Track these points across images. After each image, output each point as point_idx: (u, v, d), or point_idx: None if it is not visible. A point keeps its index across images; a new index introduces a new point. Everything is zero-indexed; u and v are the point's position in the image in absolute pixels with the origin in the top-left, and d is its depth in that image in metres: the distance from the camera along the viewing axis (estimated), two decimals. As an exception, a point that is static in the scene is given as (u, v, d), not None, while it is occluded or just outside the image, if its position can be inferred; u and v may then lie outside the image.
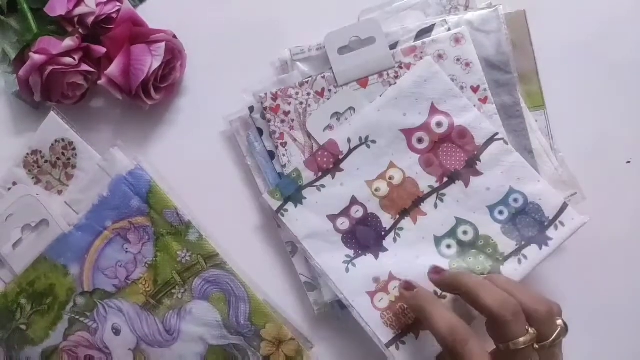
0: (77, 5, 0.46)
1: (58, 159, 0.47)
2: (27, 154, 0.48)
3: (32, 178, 0.48)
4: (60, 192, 0.48)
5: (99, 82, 0.46)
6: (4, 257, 0.46)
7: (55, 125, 0.47)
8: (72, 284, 0.40)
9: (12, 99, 0.50)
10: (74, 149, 0.47)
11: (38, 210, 0.46)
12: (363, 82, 0.46)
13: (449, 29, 0.47)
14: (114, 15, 0.47)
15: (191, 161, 0.50)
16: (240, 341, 0.39)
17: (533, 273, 0.44)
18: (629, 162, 0.50)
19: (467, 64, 0.46)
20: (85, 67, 0.46)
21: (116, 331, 0.39)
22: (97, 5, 0.46)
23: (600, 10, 0.51)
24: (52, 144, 0.48)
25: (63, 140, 0.47)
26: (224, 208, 0.49)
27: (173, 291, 0.40)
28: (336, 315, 0.46)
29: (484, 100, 0.46)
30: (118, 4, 0.47)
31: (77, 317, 0.40)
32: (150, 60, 0.45)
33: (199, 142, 0.50)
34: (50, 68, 0.44)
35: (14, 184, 0.48)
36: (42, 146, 0.48)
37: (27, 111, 0.50)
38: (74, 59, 0.45)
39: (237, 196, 0.49)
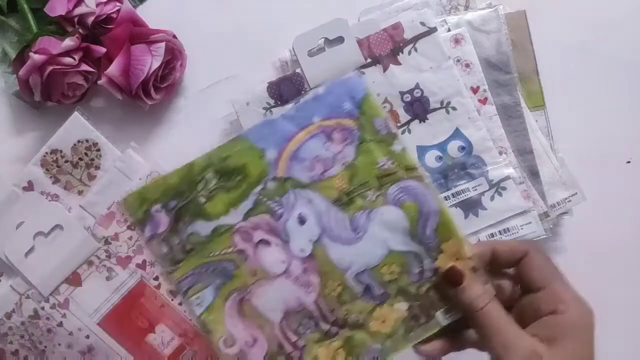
0: (77, 5, 0.46)
1: (80, 159, 0.47)
2: (46, 152, 0.47)
3: (50, 177, 0.47)
4: (80, 192, 0.47)
5: (99, 82, 0.46)
6: (16, 266, 0.46)
7: (79, 126, 0.47)
8: (266, 167, 0.39)
9: (12, 99, 0.50)
10: (98, 150, 0.47)
11: (51, 216, 0.46)
12: None
13: (449, 29, 0.47)
14: (114, 15, 0.46)
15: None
16: (420, 250, 0.39)
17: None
18: (629, 162, 0.50)
19: (467, 65, 0.46)
20: (85, 67, 0.46)
21: (301, 220, 0.38)
22: (97, 5, 0.46)
23: (600, 10, 0.51)
24: (75, 144, 0.47)
25: (87, 140, 0.47)
26: (224, 208, 0.49)
27: (367, 193, 0.39)
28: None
29: (484, 101, 0.46)
30: (118, 4, 0.47)
31: (264, 199, 0.39)
32: (150, 60, 0.45)
33: (198, 142, 0.50)
34: (50, 68, 0.44)
35: (30, 182, 0.47)
36: (63, 146, 0.47)
37: (27, 111, 0.50)
38: (74, 59, 0.45)
39: (237, 196, 0.49)
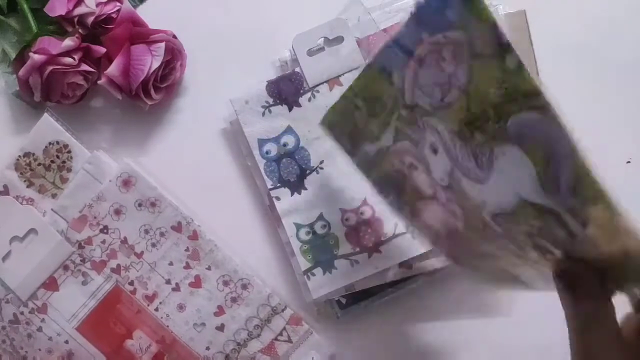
0: (77, 5, 0.46)
1: (52, 161, 0.47)
2: (19, 156, 0.47)
3: (25, 181, 0.47)
4: (54, 196, 0.47)
5: (99, 82, 0.46)
6: None
7: (49, 127, 0.47)
8: (397, 94, 0.37)
9: (12, 99, 0.50)
10: (69, 151, 0.47)
11: (25, 220, 0.46)
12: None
13: (449, 30, 0.47)
14: (114, 15, 0.47)
15: (191, 161, 0.50)
16: (557, 206, 0.29)
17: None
18: (629, 162, 0.50)
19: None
20: (85, 67, 0.46)
21: (434, 150, 0.36)
22: (97, 5, 0.46)
23: (600, 10, 0.51)
24: (46, 147, 0.47)
25: (57, 142, 0.47)
26: (223, 208, 0.49)
27: (486, 126, 0.31)
28: (336, 314, 0.46)
29: (483, 101, 0.46)
30: (118, 4, 0.47)
31: (402, 126, 0.38)
32: (150, 60, 0.45)
33: (198, 142, 0.50)
34: (50, 68, 0.44)
35: (5, 187, 0.47)
36: (35, 148, 0.47)
37: (27, 111, 0.50)
38: (73, 59, 0.45)
39: (237, 196, 0.49)
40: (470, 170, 0.33)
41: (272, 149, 0.47)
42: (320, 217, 0.46)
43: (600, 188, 0.27)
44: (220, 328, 0.46)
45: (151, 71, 0.45)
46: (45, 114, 0.47)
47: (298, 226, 0.46)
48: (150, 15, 0.48)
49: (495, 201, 0.32)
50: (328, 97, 0.46)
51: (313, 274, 0.45)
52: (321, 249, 0.45)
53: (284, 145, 0.47)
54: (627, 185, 0.49)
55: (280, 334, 0.45)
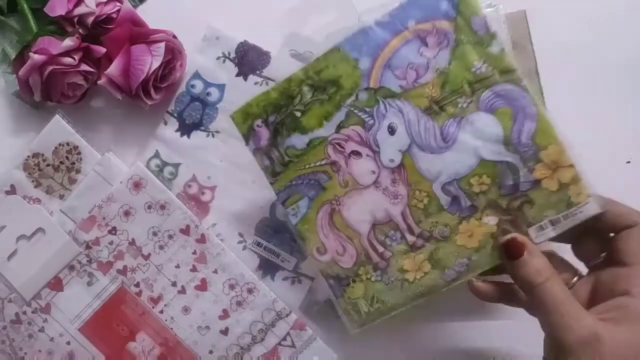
0: (77, 5, 0.46)
1: (61, 162, 0.47)
2: (28, 156, 0.47)
3: (32, 181, 0.47)
4: (61, 197, 0.47)
5: (99, 82, 0.46)
6: None
7: (59, 129, 0.47)
8: (359, 78, 0.39)
9: (12, 99, 0.50)
10: (79, 153, 0.47)
11: (33, 219, 0.46)
12: None
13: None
14: (114, 15, 0.47)
15: (191, 161, 0.50)
16: (515, 160, 0.37)
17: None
18: (629, 162, 0.50)
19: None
20: (85, 67, 0.46)
21: (392, 130, 0.38)
22: (97, 5, 0.46)
23: (600, 10, 0.51)
24: (56, 147, 0.47)
25: (67, 144, 0.47)
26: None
27: (459, 100, 0.38)
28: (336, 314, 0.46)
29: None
30: (118, 4, 0.47)
31: (355, 110, 0.39)
32: (150, 60, 0.45)
33: (198, 142, 0.50)
34: (50, 68, 0.44)
35: (12, 186, 0.47)
36: (44, 149, 0.47)
37: (27, 111, 0.50)
38: (73, 59, 0.45)
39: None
40: (431, 144, 0.38)
41: (198, 87, 0.48)
42: None
43: (554, 135, 0.37)
44: (225, 332, 0.45)
45: (151, 71, 0.45)
46: (57, 116, 0.47)
47: None
48: (150, 15, 0.48)
49: (452, 169, 0.38)
50: None
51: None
52: None
53: (207, 94, 0.48)
54: (627, 185, 0.49)
55: (284, 338, 0.45)
